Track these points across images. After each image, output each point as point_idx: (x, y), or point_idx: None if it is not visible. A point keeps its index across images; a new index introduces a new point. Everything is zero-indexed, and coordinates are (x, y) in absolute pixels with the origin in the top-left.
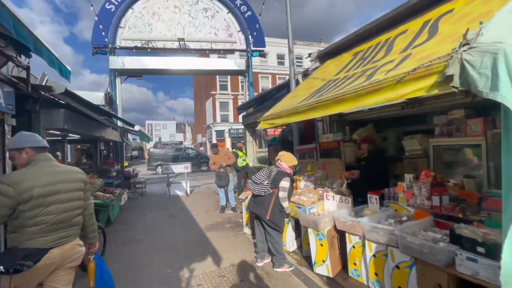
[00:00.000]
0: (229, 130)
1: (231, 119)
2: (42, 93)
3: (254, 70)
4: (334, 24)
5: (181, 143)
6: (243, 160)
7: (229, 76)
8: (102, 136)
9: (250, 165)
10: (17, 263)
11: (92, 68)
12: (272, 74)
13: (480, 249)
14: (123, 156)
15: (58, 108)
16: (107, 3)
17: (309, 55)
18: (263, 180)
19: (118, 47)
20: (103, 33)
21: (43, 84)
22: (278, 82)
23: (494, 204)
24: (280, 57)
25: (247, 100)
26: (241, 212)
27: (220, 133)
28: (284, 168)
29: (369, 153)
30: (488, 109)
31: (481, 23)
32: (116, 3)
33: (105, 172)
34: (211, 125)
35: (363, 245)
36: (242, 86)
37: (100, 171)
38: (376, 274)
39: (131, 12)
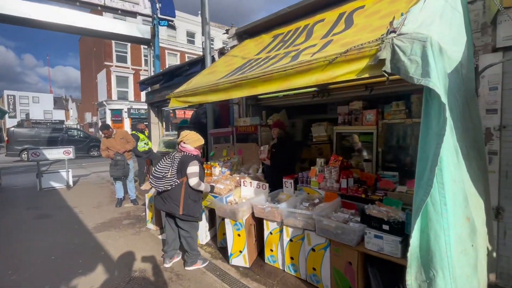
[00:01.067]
0: (129, 109)
1: (131, 97)
2: None
3: (161, 45)
4: (242, 13)
5: (61, 122)
6: (145, 143)
7: (129, 46)
8: None
9: (155, 150)
10: None
11: None
12: (181, 52)
13: (385, 227)
14: None
15: None
16: None
17: (227, 31)
18: (166, 173)
19: None
20: None
21: None
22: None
23: (386, 184)
24: (190, 35)
25: (151, 75)
26: (144, 205)
27: (116, 113)
28: (189, 151)
29: (279, 140)
30: (378, 102)
31: (402, 14)
32: None
33: None
34: (104, 103)
35: (281, 231)
36: (146, 60)
37: None
38: (292, 258)
39: None
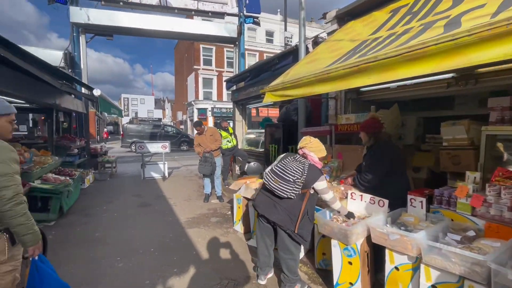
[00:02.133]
0: (212, 108)
1: (214, 97)
2: None
3: None
4: (320, 4)
5: (159, 120)
6: (227, 141)
7: (214, 50)
8: (57, 105)
9: (239, 147)
10: None
11: (59, 31)
12: (260, 52)
13: None
14: (88, 130)
15: None
16: None
17: (324, 15)
18: (297, 177)
19: None
20: None
21: None
22: None
23: None
24: (269, 34)
25: (236, 73)
26: (229, 203)
27: (202, 112)
28: (314, 162)
29: (368, 148)
30: None
31: None
32: None
33: (63, 149)
34: (193, 103)
35: (415, 269)
36: (227, 62)
37: (56, 147)
38: None
39: None
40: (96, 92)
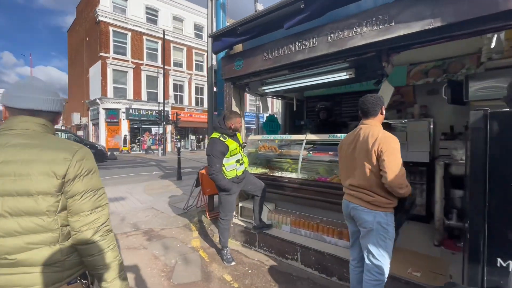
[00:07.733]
0: (127, 110)
1: (130, 95)
2: None
3: (167, 37)
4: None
5: None
6: (237, 161)
7: (129, 36)
8: None
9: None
10: None
11: None
12: (187, 47)
13: None
14: None
15: None
16: None
17: None
18: None
19: None
20: None
21: None
22: (195, 57)
23: None
24: (198, 28)
25: (212, 31)
26: None
27: (112, 113)
28: None
29: None
30: None
31: None
32: None
33: None
34: (98, 101)
35: None
36: (147, 53)
37: None
38: None
39: None
40: None
